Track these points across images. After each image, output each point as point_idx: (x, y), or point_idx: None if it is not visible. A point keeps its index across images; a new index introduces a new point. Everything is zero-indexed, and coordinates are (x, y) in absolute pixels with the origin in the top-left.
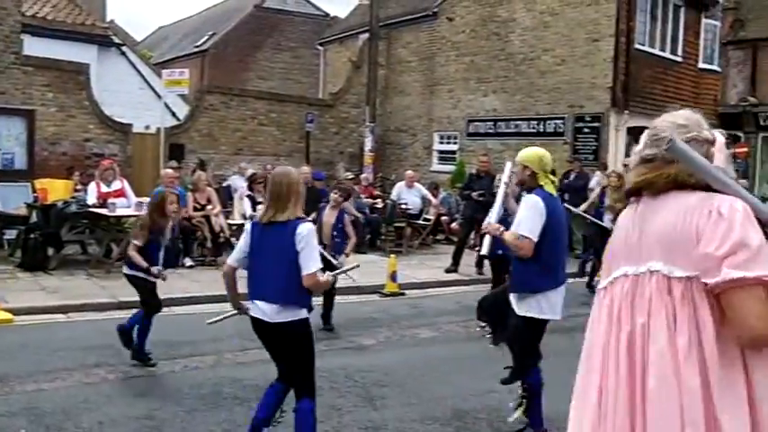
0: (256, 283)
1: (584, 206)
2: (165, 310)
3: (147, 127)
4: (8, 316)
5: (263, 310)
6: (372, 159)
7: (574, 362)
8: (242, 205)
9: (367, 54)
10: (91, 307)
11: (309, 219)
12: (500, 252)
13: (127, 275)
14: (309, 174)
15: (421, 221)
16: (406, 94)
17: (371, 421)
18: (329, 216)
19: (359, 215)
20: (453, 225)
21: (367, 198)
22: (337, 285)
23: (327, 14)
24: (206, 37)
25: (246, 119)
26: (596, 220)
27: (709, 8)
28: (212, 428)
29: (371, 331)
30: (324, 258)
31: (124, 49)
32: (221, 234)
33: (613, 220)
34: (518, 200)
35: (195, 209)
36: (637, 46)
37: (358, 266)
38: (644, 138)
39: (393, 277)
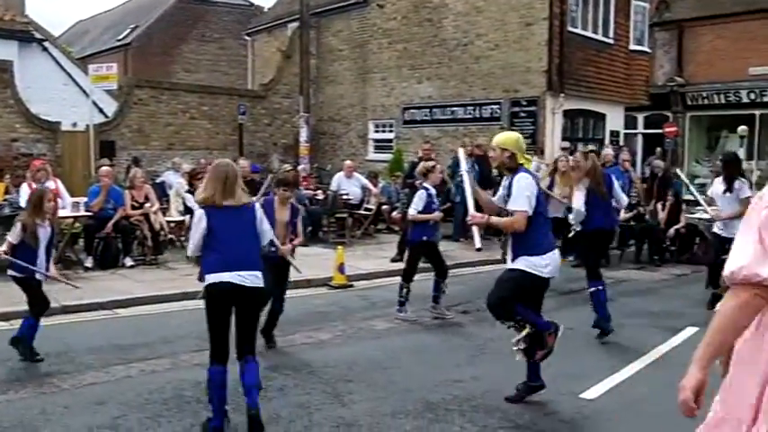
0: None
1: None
2: (109, 312)
3: (75, 125)
4: None
5: (244, 276)
6: (308, 150)
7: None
8: (179, 202)
9: (297, 43)
10: None
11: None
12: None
13: (12, 277)
14: (248, 167)
15: (362, 211)
16: (338, 83)
17: (342, 418)
18: (280, 213)
19: (299, 207)
20: (394, 214)
21: (307, 189)
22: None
23: (252, 4)
24: (128, 30)
25: (178, 113)
26: None
27: None
28: None
29: (327, 325)
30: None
31: (46, 44)
32: (161, 232)
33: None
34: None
35: (133, 207)
36: (570, 29)
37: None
38: None
39: (341, 269)
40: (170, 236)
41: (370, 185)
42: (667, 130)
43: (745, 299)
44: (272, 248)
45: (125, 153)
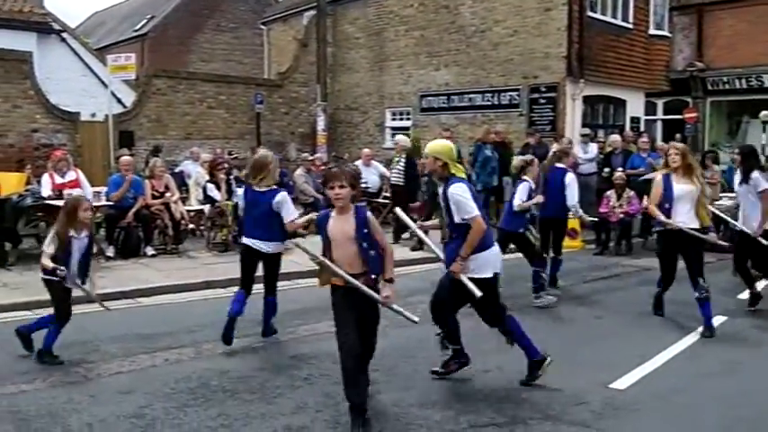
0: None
1: None
2: (131, 301)
3: (94, 115)
4: None
5: (254, 242)
6: (325, 139)
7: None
8: (199, 191)
9: (314, 32)
10: None
11: None
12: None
13: (42, 279)
14: None
15: (381, 200)
16: (354, 71)
17: (371, 408)
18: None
19: (318, 196)
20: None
21: None
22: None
23: None
24: (145, 20)
25: (195, 102)
26: None
27: None
28: (208, 424)
29: None
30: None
31: (64, 35)
32: (182, 221)
33: None
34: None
35: (154, 196)
36: (589, 14)
37: None
38: None
39: None
40: (190, 225)
41: (388, 174)
42: (687, 115)
43: None
44: None
45: (143, 143)
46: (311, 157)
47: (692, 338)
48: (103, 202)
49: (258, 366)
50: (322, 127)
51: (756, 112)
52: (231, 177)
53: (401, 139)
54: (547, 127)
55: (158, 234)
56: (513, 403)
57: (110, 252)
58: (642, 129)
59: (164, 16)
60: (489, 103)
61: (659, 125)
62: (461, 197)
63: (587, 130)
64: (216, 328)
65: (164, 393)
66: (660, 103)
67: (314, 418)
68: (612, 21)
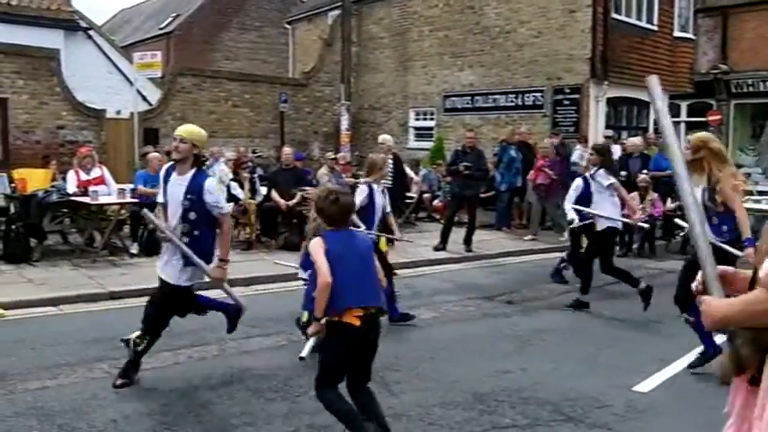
0: None
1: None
2: None
3: (119, 112)
4: None
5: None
6: (349, 138)
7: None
8: (223, 189)
9: (339, 31)
10: (85, 298)
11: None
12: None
13: None
14: (291, 154)
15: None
16: (378, 71)
17: (392, 408)
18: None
19: None
20: (436, 202)
21: (348, 177)
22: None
23: None
24: (170, 18)
25: (220, 100)
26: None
27: None
28: (231, 422)
29: None
30: None
31: (91, 32)
32: None
33: None
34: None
35: None
36: (614, 15)
37: None
38: None
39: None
40: None
41: (411, 173)
42: (711, 118)
43: None
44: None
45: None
46: (334, 156)
47: (716, 340)
48: (128, 200)
49: (281, 365)
50: (345, 126)
51: None
52: (255, 176)
53: (386, 138)
54: (570, 128)
55: None
56: (535, 405)
57: (134, 249)
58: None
59: (189, 14)
60: (513, 103)
61: (683, 127)
62: (215, 188)
63: (611, 132)
64: (239, 325)
65: (187, 391)
66: (684, 105)
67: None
68: (637, 23)
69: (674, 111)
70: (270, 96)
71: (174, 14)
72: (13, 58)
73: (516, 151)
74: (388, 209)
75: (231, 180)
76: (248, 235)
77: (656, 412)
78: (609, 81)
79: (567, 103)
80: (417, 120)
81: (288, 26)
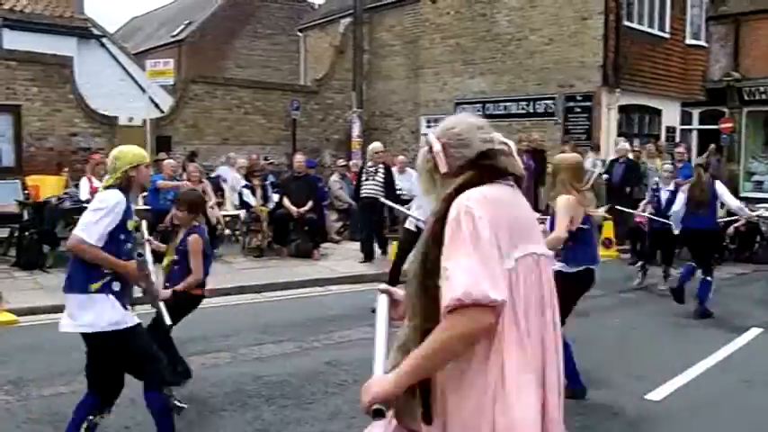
0: None
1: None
2: None
3: (131, 119)
4: (12, 317)
5: None
6: (360, 145)
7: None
8: (235, 196)
9: (350, 39)
10: None
11: None
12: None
13: None
14: (303, 162)
15: None
16: (390, 78)
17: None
18: None
19: (353, 202)
20: None
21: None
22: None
23: (304, 0)
24: (182, 26)
25: (232, 108)
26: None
27: None
28: (244, 429)
29: None
30: None
31: (104, 40)
32: (218, 226)
33: None
34: None
35: None
36: (625, 23)
37: None
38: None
39: None
40: (226, 230)
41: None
42: (723, 125)
43: None
44: None
45: (180, 148)
46: (346, 163)
47: (728, 349)
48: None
49: (293, 372)
50: (357, 133)
51: None
52: (267, 183)
53: (377, 146)
54: (582, 136)
55: None
56: None
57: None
58: (678, 139)
59: (201, 22)
60: (525, 111)
61: (695, 135)
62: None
63: (622, 140)
64: (251, 332)
65: (199, 398)
66: (696, 112)
67: (349, 424)
68: (649, 30)
69: (686, 118)
70: (282, 104)
71: (187, 22)
72: (26, 65)
73: (527, 160)
74: None
75: (243, 187)
76: (260, 242)
77: (669, 421)
78: (621, 88)
79: (578, 110)
80: (429, 127)
81: (300, 34)
